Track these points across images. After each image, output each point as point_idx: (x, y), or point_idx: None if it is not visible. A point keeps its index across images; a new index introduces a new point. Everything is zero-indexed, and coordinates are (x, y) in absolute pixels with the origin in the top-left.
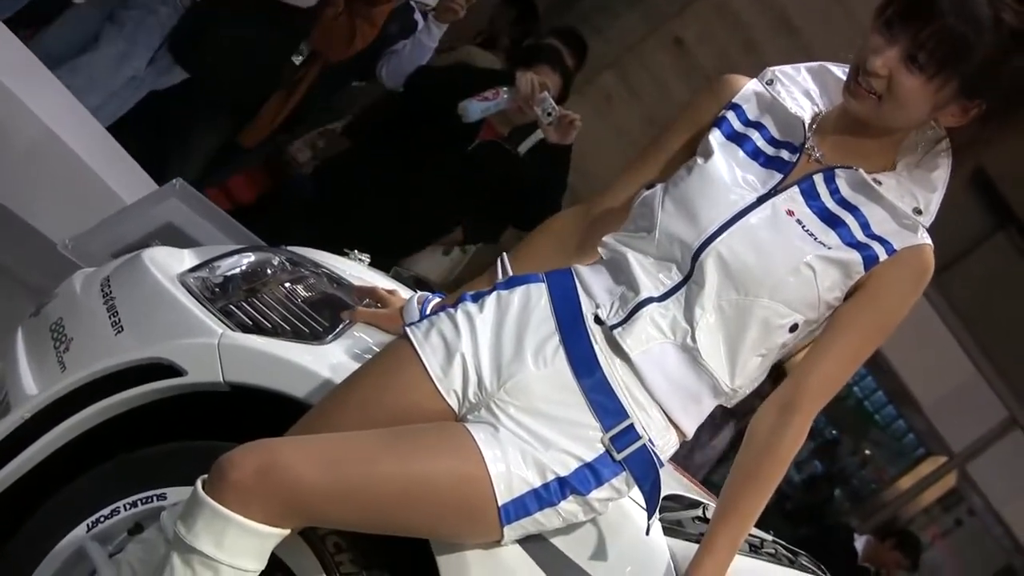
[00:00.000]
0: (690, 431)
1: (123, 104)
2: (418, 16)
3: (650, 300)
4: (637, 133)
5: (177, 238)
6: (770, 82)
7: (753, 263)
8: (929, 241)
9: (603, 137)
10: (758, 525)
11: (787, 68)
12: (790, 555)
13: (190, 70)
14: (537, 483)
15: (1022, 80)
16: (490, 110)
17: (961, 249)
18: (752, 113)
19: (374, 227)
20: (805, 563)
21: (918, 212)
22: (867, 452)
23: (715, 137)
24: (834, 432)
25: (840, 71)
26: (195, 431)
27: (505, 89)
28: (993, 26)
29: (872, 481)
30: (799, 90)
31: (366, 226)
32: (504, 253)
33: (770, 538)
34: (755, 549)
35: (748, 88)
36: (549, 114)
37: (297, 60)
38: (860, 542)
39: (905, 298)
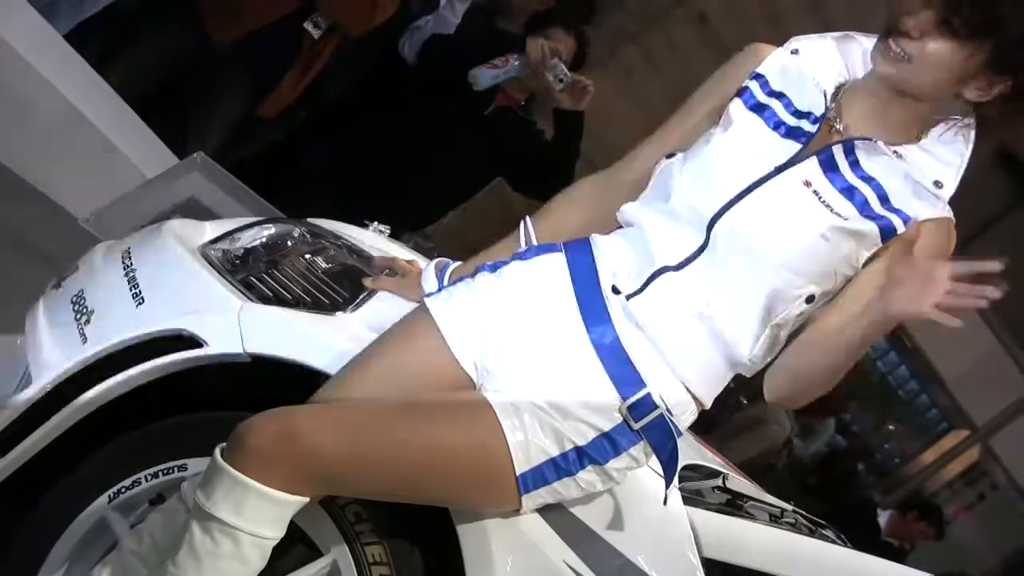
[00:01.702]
0: (708, 400)
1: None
2: None
3: (666, 269)
4: (660, 107)
5: (199, 212)
6: (795, 52)
7: (768, 232)
8: (951, 214)
9: (625, 111)
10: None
11: (813, 37)
12: (811, 525)
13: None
14: (555, 452)
15: None
16: (499, 78)
17: (984, 221)
18: (775, 83)
19: (394, 195)
20: (826, 533)
21: (938, 185)
22: (890, 427)
23: (736, 107)
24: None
25: (868, 40)
26: (216, 402)
27: (516, 56)
28: None
29: (895, 455)
30: (824, 60)
31: (386, 194)
32: (527, 217)
33: (791, 508)
34: (775, 519)
35: (773, 57)
36: (561, 80)
37: (316, 33)
38: (883, 517)
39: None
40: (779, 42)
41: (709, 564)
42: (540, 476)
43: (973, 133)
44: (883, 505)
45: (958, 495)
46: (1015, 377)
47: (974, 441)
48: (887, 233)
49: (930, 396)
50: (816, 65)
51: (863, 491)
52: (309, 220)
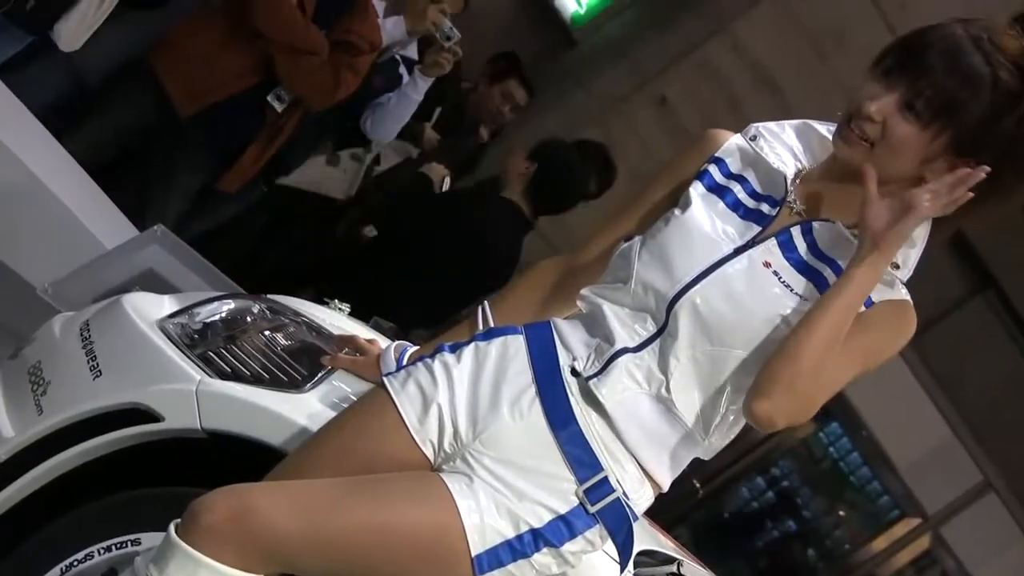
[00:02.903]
0: (665, 484)
1: None
2: (403, 70)
3: (625, 350)
4: (621, 188)
5: (158, 284)
6: (754, 138)
7: (728, 314)
8: (907, 296)
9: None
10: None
11: (771, 125)
12: None
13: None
14: (511, 534)
15: (1012, 143)
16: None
17: (939, 311)
18: (735, 167)
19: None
20: None
21: (895, 267)
22: (841, 513)
23: (696, 189)
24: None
25: (824, 129)
26: (172, 478)
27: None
28: (991, 84)
29: (845, 542)
30: (782, 146)
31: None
32: (485, 302)
33: None
34: None
35: (732, 143)
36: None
37: (279, 107)
38: None
39: (886, 344)
40: (738, 126)
41: None
42: (495, 558)
43: (931, 218)
44: None
45: None
46: (967, 466)
47: (925, 529)
48: None
49: (882, 483)
50: (775, 150)
51: None
52: (269, 296)
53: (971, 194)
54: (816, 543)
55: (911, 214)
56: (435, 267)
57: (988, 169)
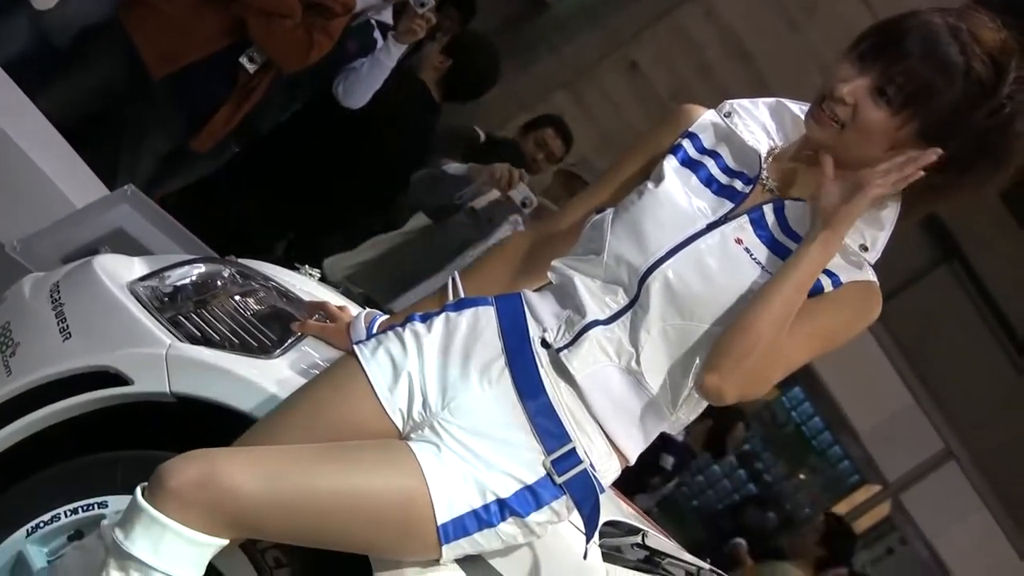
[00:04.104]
0: (632, 456)
1: None
2: (377, 35)
3: (596, 323)
4: (590, 154)
5: (127, 244)
6: (728, 114)
7: (698, 289)
8: (874, 278)
9: None
10: (693, 554)
11: (745, 102)
12: None
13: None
14: (477, 503)
15: (981, 133)
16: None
17: (904, 280)
18: (708, 142)
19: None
20: None
21: (864, 248)
22: (802, 476)
23: (669, 163)
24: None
25: (797, 108)
26: (140, 441)
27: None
28: (964, 74)
29: (806, 506)
30: (756, 124)
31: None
32: (456, 273)
33: (707, 567)
34: None
35: (706, 118)
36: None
37: (251, 68)
38: None
39: (848, 325)
40: (710, 93)
41: None
42: (461, 527)
43: (899, 201)
44: (792, 556)
45: (868, 547)
46: (929, 434)
47: (885, 496)
48: (814, 292)
49: (843, 448)
50: (748, 127)
51: (773, 541)
52: (239, 260)
53: (922, 173)
54: (776, 507)
55: (862, 193)
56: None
57: (939, 151)
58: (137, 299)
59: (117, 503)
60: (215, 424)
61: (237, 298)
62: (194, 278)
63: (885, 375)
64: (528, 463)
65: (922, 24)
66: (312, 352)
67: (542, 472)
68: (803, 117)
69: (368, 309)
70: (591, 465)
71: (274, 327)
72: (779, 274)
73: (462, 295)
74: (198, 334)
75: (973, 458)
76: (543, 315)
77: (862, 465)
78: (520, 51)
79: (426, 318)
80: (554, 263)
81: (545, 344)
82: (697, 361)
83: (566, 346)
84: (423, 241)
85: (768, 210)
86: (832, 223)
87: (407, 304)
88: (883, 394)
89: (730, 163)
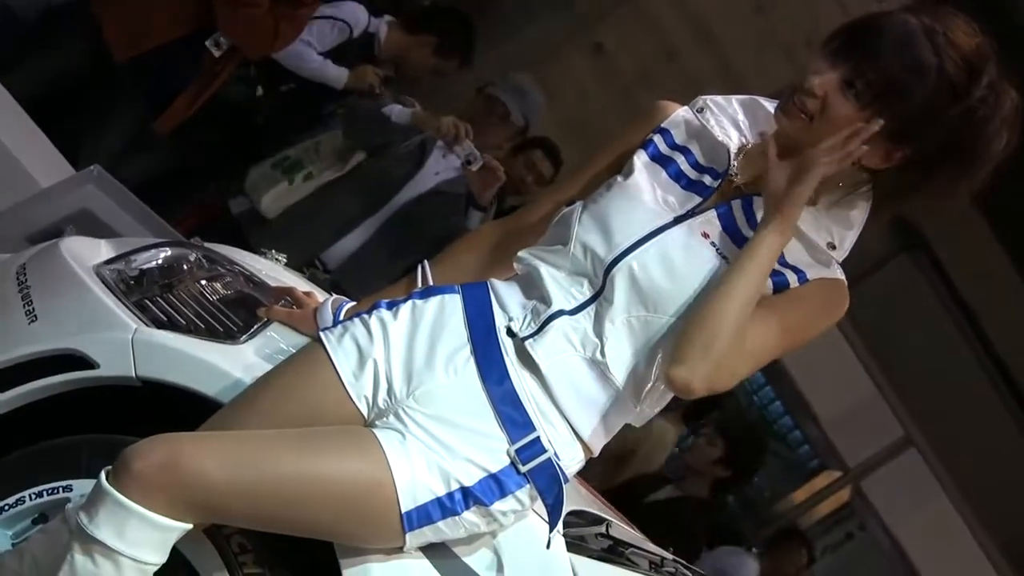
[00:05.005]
0: (596, 447)
1: None
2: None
3: (561, 313)
4: (553, 138)
5: (93, 225)
6: (700, 110)
7: (663, 281)
8: (842, 276)
9: None
10: (655, 543)
11: (718, 98)
12: (691, 575)
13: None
14: (441, 492)
15: (950, 134)
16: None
17: (866, 268)
18: (679, 138)
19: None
20: None
21: (831, 247)
22: None
23: (639, 157)
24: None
25: (771, 105)
26: (105, 425)
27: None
28: (935, 75)
29: (765, 490)
30: (728, 120)
31: None
32: (424, 261)
33: (671, 557)
34: (655, 567)
35: (678, 114)
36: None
37: (216, 52)
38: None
39: (814, 322)
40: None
41: None
42: (425, 515)
43: (869, 200)
44: (754, 544)
45: (827, 533)
46: (889, 421)
47: (845, 482)
48: (779, 287)
49: (803, 434)
50: (721, 123)
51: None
52: (206, 245)
53: (865, 148)
54: (735, 491)
55: (807, 172)
56: None
57: (881, 122)
58: (103, 282)
59: (82, 487)
60: (181, 409)
61: (203, 282)
62: (160, 262)
63: (847, 362)
64: (492, 451)
65: (898, 23)
66: (278, 338)
67: (506, 461)
68: (775, 109)
69: (335, 296)
70: (555, 454)
71: (240, 312)
72: (736, 262)
73: (431, 283)
74: (164, 318)
75: (933, 445)
76: (509, 304)
77: (822, 450)
78: (484, 32)
79: (392, 305)
80: (520, 253)
81: (511, 333)
82: (661, 353)
83: (531, 335)
84: (360, 178)
85: (736, 205)
86: (781, 208)
87: (344, 250)
88: (844, 381)
89: (700, 159)
